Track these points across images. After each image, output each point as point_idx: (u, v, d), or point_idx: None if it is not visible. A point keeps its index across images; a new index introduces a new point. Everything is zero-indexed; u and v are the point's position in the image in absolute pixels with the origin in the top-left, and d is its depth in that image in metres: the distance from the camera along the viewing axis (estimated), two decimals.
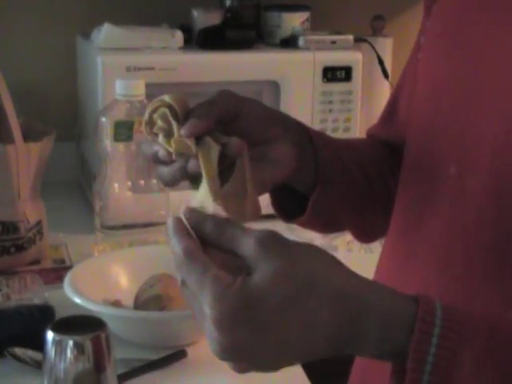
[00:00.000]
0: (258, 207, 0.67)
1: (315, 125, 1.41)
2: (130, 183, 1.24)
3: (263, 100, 1.41)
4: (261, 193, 0.71)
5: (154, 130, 0.67)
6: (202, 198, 0.65)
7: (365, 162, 0.80)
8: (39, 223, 1.19)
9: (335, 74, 1.40)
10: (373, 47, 1.49)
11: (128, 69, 1.31)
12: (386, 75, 1.50)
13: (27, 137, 1.17)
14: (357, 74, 1.41)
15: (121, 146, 1.22)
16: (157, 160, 0.69)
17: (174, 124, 0.66)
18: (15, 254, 1.15)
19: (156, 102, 0.67)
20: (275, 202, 0.79)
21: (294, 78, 1.39)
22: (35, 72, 1.59)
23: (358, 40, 1.46)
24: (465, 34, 0.68)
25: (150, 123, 0.67)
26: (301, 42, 1.41)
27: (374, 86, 1.54)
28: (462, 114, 0.67)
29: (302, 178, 0.75)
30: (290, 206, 0.79)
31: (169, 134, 0.67)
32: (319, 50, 1.40)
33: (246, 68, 1.38)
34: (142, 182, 1.23)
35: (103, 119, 1.22)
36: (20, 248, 1.15)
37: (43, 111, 1.58)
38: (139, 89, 1.21)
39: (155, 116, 0.67)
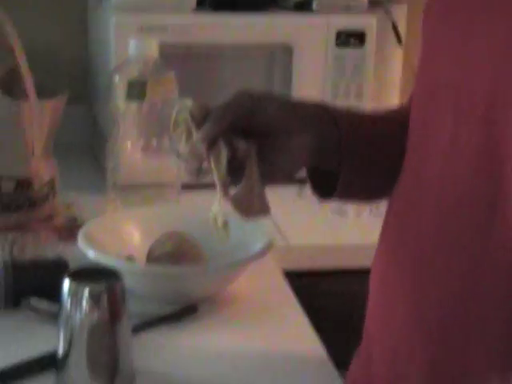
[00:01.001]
0: (266, 205, 0.75)
1: (327, 90, 1.41)
2: (142, 143, 1.24)
3: (276, 64, 1.41)
4: (285, 181, 0.78)
5: (178, 131, 0.75)
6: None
7: (396, 126, 0.80)
8: (52, 181, 1.20)
9: (348, 39, 1.39)
10: (387, 11, 1.48)
11: (141, 29, 1.31)
12: (399, 41, 1.50)
13: (40, 95, 1.17)
14: (370, 39, 1.40)
15: (133, 106, 1.22)
16: (180, 158, 0.77)
17: (193, 128, 0.74)
18: (29, 211, 1.16)
19: (180, 105, 0.76)
20: (313, 182, 0.83)
21: (307, 42, 1.38)
22: (47, 32, 1.58)
23: (373, 4, 1.46)
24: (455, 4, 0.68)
25: (176, 123, 0.76)
26: (314, 5, 1.40)
27: (388, 51, 1.53)
28: (458, 74, 0.68)
29: (327, 161, 0.79)
30: (328, 184, 0.81)
31: (189, 136, 0.75)
32: (333, 13, 1.40)
33: (258, 31, 1.38)
34: (154, 142, 1.24)
35: (116, 78, 1.22)
36: (33, 205, 1.16)
37: (54, 72, 1.58)
38: (152, 48, 1.21)
39: (179, 118, 0.75)
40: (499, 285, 0.62)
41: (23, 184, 1.15)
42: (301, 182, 1.39)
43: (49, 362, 0.83)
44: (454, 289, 0.66)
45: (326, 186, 0.81)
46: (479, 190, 0.64)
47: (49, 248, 1.07)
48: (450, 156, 0.67)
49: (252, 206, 0.74)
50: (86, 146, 1.57)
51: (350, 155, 0.78)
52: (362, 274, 0.86)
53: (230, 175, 0.74)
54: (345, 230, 1.29)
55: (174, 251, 0.99)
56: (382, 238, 0.79)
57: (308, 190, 1.36)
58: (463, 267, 0.65)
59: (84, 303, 0.78)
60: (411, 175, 0.74)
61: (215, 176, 0.74)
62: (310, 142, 0.76)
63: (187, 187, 1.26)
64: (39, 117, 1.15)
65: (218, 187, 0.74)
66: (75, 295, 0.78)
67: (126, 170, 1.25)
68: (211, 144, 0.73)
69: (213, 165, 0.73)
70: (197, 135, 0.74)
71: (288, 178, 0.78)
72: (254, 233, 1.03)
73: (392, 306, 0.74)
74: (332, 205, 1.34)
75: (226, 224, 0.77)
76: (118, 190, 1.25)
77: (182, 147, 0.75)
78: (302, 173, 0.86)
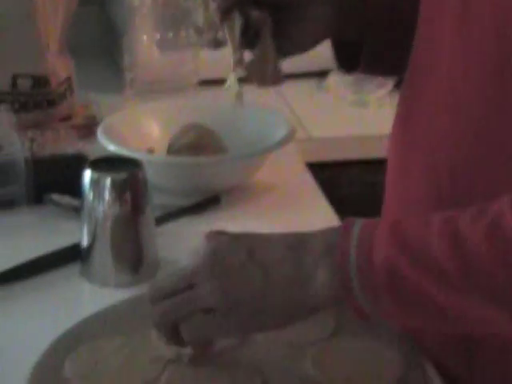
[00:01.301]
0: (279, 74, 0.76)
1: None
2: (158, 36, 1.22)
3: None
4: (304, 51, 0.78)
5: (197, 5, 0.80)
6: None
7: None
8: (69, 79, 1.18)
9: None
10: None
11: None
12: None
13: None
14: None
15: None
16: (198, 31, 0.81)
17: None
18: (47, 109, 1.15)
19: None
20: (339, 55, 0.82)
21: None
22: None
23: None
24: None
25: None
26: None
27: None
28: None
29: (349, 30, 0.78)
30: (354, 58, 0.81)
31: (206, 8, 0.77)
32: None
33: None
34: (170, 35, 1.21)
35: None
36: (52, 103, 1.15)
37: None
38: None
39: None
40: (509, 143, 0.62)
41: (40, 82, 1.13)
42: (320, 74, 1.38)
43: (73, 254, 0.83)
44: (463, 148, 0.66)
45: (352, 60, 0.80)
46: (490, 55, 0.63)
47: (68, 146, 1.07)
48: (462, 20, 0.65)
49: (266, 75, 0.75)
50: (101, 46, 1.53)
51: (372, 22, 0.77)
52: (382, 165, 0.85)
53: (246, 45, 0.75)
54: (365, 122, 1.28)
55: (195, 143, 0.99)
56: (397, 109, 0.79)
57: (328, 82, 1.35)
58: (474, 125, 0.65)
59: (106, 193, 0.77)
60: (423, 44, 0.73)
61: (230, 45, 0.75)
62: (327, 11, 0.76)
63: (204, 83, 1.24)
64: (53, 11, 1.13)
65: (232, 57, 0.75)
66: (97, 186, 0.77)
67: (143, 67, 1.24)
68: (225, 13, 0.74)
69: (227, 34, 0.74)
70: (212, 5, 0.75)
71: (305, 51, 0.78)
72: (275, 123, 1.02)
73: (407, 182, 0.74)
74: (353, 97, 1.32)
75: (240, 93, 0.77)
76: (135, 87, 1.24)
77: (200, 19, 0.77)
78: (321, 65, 0.84)
